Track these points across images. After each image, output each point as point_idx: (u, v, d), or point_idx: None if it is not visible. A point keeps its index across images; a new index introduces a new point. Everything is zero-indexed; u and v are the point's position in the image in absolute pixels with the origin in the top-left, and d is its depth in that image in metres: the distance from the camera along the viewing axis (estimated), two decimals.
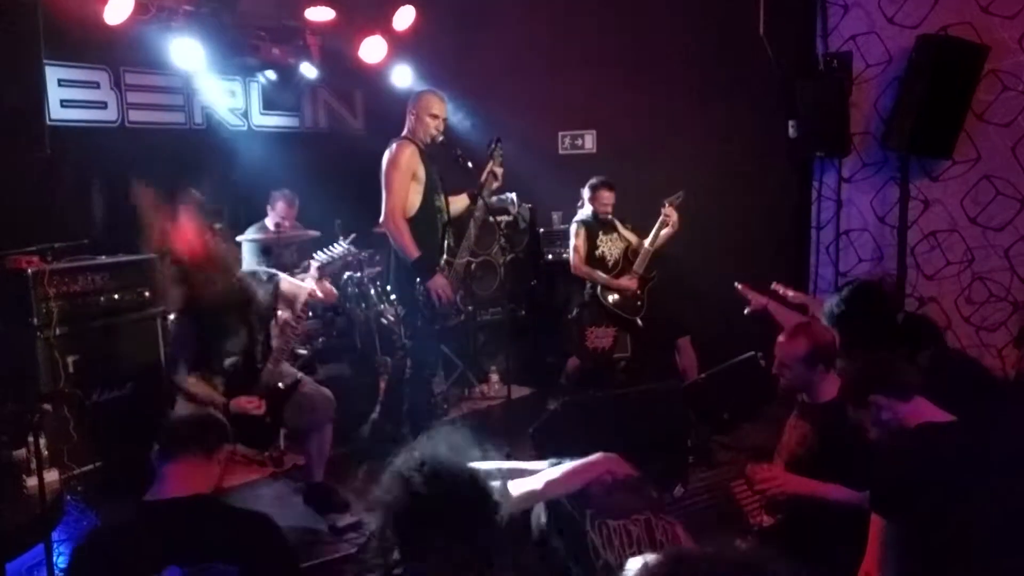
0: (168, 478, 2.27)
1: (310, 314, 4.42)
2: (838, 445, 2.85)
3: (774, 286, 4.25)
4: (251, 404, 3.82)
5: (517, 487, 2.25)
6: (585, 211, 5.81)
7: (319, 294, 4.02)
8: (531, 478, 2.37)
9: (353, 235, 4.58)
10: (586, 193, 5.77)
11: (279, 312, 4.05)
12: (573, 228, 5.78)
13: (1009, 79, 5.55)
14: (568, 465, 2.44)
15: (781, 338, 3.19)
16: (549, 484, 2.37)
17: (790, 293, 4.21)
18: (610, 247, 5.72)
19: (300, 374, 4.22)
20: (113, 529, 2.24)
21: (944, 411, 2.49)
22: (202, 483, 2.32)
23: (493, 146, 4.76)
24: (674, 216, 5.48)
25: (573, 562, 2.37)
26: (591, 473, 2.43)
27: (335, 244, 4.15)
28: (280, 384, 3.98)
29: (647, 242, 5.59)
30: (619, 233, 5.78)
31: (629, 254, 5.71)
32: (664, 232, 5.53)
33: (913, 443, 2.44)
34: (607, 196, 5.66)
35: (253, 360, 3.95)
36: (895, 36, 5.86)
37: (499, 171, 4.73)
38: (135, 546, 2.14)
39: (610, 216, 5.73)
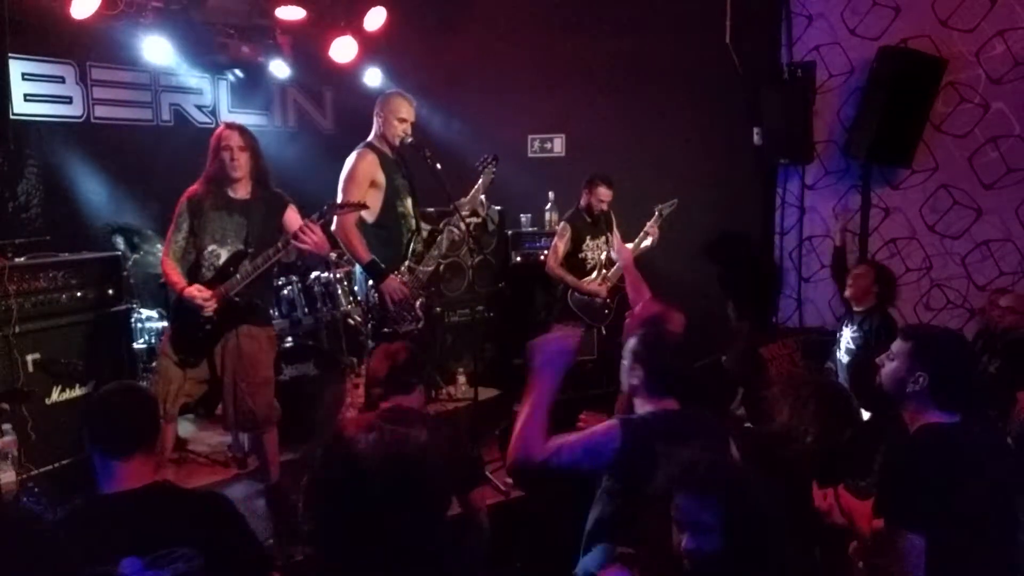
0: (120, 475, 2.25)
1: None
2: None
3: None
4: (201, 294, 3.85)
5: None
6: (574, 208, 5.72)
7: (312, 236, 3.84)
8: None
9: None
10: (584, 187, 5.66)
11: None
12: (560, 227, 5.74)
13: (966, 91, 5.69)
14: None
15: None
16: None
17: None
18: (594, 251, 5.70)
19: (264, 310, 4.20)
20: (60, 523, 2.20)
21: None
22: (152, 472, 2.31)
23: (487, 162, 4.65)
24: (656, 233, 5.54)
25: None
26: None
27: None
28: (237, 298, 3.95)
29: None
30: (608, 236, 5.73)
31: (606, 262, 5.68)
32: (644, 244, 5.57)
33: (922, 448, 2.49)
34: (604, 192, 5.59)
35: (230, 268, 3.96)
36: (857, 47, 5.99)
37: (484, 189, 4.65)
38: (84, 540, 2.12)
39: (605, 210, 5.67)
